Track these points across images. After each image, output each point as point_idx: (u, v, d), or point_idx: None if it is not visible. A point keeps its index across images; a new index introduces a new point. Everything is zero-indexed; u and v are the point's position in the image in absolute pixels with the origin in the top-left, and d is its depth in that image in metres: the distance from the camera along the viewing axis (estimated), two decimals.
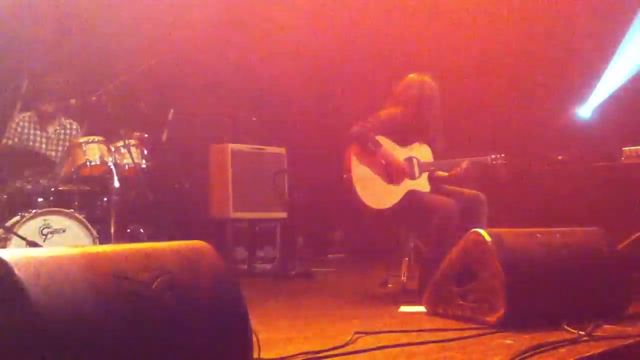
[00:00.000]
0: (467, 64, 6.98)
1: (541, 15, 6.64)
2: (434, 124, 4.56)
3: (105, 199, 4.83)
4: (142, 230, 5.12)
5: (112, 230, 4.60)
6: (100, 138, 4.92)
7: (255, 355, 2.03)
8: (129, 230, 5.09)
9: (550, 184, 5.59)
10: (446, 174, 4.51)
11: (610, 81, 6.39)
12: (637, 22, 6.16)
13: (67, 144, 5.19)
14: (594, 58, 6.39)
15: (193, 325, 1.90)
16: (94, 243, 4.40)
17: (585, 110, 6.55)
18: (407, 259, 4.65)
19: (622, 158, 5.20)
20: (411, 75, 4.57)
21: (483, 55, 6.94)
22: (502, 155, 4.46)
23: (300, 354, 2.36)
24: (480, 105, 6.89)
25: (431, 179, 4.48)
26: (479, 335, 2.73)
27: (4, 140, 5.08)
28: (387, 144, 4.37)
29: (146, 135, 5.32)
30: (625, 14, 6.20)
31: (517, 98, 6.66)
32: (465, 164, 4.42)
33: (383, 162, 4.32)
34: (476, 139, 6.19)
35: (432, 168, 4.46)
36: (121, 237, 4.86)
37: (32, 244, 4.10)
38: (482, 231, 3.11)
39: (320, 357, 2.35)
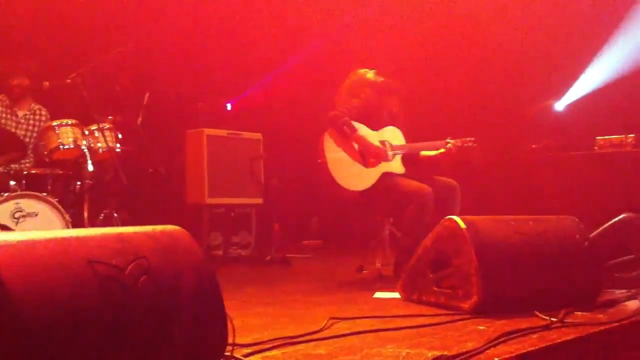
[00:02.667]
0: (446, 52, 7.01)
1: (525, 8, 6.68)
2: (395, 111, 4.69)
3: (78, 183, 4.78)
4: (116, 215, 5.08)
5: (86, 215, 4.56)
6: (74, 121, 4.86)
7: (230, 341, 2.02)
8: (102, 215, 5.04)
9: (524, 173, 5.65)
10: (431, 153, 4.55)
11: (589, 81, 6.46)
12: (622, 29, 6.22)
13: (36, 129, 5.11)
14: (574, 56, 6.44)
15: (168, 310, 1.89)
16: (67, 227, 4.35)
17: (561, 104, 6.62)
18: (382, 245, 4.68)
19: (595, 147, 5.26)
20: (368, 69, 4.71)
21: (462, 44, 6.97)
22: (473, 138, 4.53)
23: (276, 339, 2.36)
24: (456, 93, 6.93)
25: (410, 161, 4.53)
26: (453, 321, 2.76)
27: None
28: (360, 128, 4.42)
29: (120, 119, 5.26)
30: (611, 18, 6.26)
31: (493, 87, 6.70)
32: (450, 144, 4.47)
33: (358, 145, 4.36)
34: (451, 126, 6.22)
35: (406, 150, 4.53)
36: (95, 222, 4.82)
37: (4, 228, 4.05)
38: (456, 218, 3.13)
39: (295, 342, 2.35)
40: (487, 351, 2.19)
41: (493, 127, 6.44)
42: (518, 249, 3.09)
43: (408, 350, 2.22)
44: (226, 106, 7.41)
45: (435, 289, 3.19)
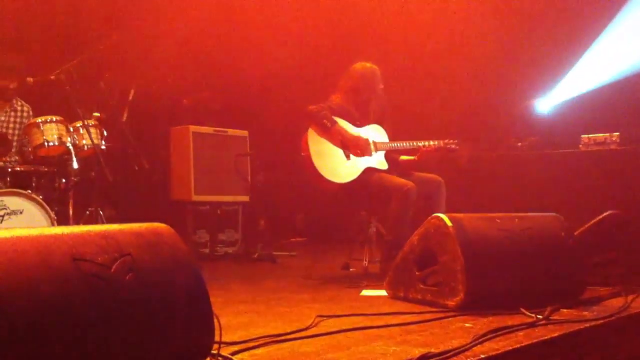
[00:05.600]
0: (432, 50, 7.02)
1: (511, 6, 6.70)
2: (380, 109, 4.71)
3: (63, 180, 4.73)
4: (101, 212, 5.04)
5: (71, 212, 4.52)
6: (59, 118, 4.81)
7: (217, 339, 2.01)
8: (88, 212, 5.00)
9: (510, 170, 5.67)
10: (411, 157, 4.59)
11: (574, 83, 6.50)
12: (610, 27, 6.25)
13: (18, 125, 5.06)
14: (561, 54, 6.47)
15: (154, 308, 1.88)
16: (52, 225, 4.31)
17: (545, 105, 6.66)
18: (368, 242, 4.69)
19: (580, 145, 5.29)
20: (356, 65, 4.72)
21: (447, 42, 6.99)
22: (455, 140, 4.56)
23: (262, 337, 2.36)
24: (441, 91, 6.95)
25: (392, 161, 4.56)
26: (439, 318, 2.77)
27: None
28: (342, 124, 4.44)
29: (104, 116, 5.21)
30: (599, 16, 6.29)
31: (479, 84, 6.72)
32: (427, 146, 4.50)
33: (339, 138, 4.38)
34: (437, 124, 6.25)
35: (388, 148, 4.55)
36: (80, 219, 4.78)
37: None
38: (443, 216, 3.14)
39: (283, 340, 2.35)
40: (474, 348, 2.20)
41: (478, 125, 6.47)
42: (504, 246, 3.10)
43: (395, 348, 2.23)
44: (213, 102, 7.38)
45: (422, 286, 3.20)
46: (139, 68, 6.47)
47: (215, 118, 6.77)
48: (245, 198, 6.48)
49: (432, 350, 2.13)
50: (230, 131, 6.52)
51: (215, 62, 7.17)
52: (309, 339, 2.38)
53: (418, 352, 2.11)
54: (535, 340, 2.35)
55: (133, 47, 6.34)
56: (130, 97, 6.00)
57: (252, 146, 6.59)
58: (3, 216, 4.23)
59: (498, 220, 3.23)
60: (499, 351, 2.18)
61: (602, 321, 2.72)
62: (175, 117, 6.73)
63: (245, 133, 6.61)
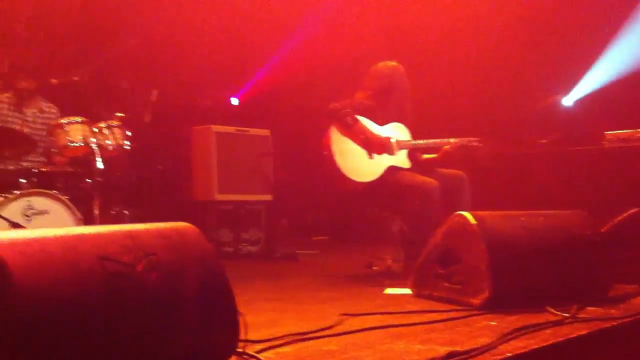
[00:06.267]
0: (454, 47, 6.98)
1: (538, 2, 6.64)
2: (403, 108, 4.67)
3: (88, 180, 4.77)
4: (126, 212, 5.09)
5: (96, 212, 4.56)
6: (83, 119, 4.86)
7: (242, 337, 2.02)
8: (113, 212, 5.05)
9: (533, 168, 5.63)
10: (432, 156, 4.57)
11: (596, 77, 6.43)
12: (631, 23, 6.17)
13: (45, 126, 5.11)
14: (583, 50, 6.41)
15: (178, 307, 1.89)
16: (78, 224, 4.35)
17: (568, 100, 6.59)
18: (391, 241, 4.67)
19: (604, 142, 5.23)
20: (379, 64, 4.69)
21: (469, 39, 6.95)
22: (477, 138, 4.52)
23: (286, 335, 2.36)
24: (464, 89, 6.91)
25: (414, 160, 4.53)
26: (464, 317, 2.75)
27: None
28: (365, 122, 4.44)
29: (128, 117, 5.26)
30: (620, 12, 6.22)
31: (502, 81, 6.67)
32: (450, 145, 4.47)
33: (361, 136, 4.36)
34: (459, 122, 6.21)
35: (410, 146, 4.53)
36: (105, 219, 4.83)
37: (16, 226, 4.06)
38: (466, 213, 3.12)
39: (307, 338, 2.35)
40: (500, 346, 2.18)
41: (501, 122, 6.42)
42: (529, 244, 3.07)
43: (419, 346, 2.22)
44: (231, 101, 7.41)
45: (446, 284, 3.18)
46: (161, 69, 6.52)
47: (236, 117, 6.80)
48: (268, 197, 6.49)
49: (457, 348, 2.12)
50: (252, 130, 6.54)
51: (236, 62, 7.19)
52: (334, 337, 2.37)
53: (443, 350, 2.10)
54: (561, 339, 2.32)
55: (155, 48, 6.39)
56: (153, 98, 6.05)
57: (274, 145, 6.61)
58: (30, 216, 4.28)
59: (522, 218, 3.20)
60: (525, 349, 2.16)
61: (629, 319, 2.68)
62: (197, 117, 6.77)
63: (267, 132, 6.62)
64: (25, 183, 4.52)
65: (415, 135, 4.65)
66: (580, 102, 6.49)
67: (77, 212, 4.46)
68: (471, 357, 2.06)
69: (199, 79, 7.03)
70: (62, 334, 1.63)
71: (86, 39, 6.14)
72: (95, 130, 4.89)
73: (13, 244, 1.70)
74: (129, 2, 6.39)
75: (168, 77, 6.58)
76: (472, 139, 4.52)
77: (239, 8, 7.09)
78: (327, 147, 4.32)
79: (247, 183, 6.35)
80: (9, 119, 5.08)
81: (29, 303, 1.60)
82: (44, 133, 5.08)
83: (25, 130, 5.02)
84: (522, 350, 2.15)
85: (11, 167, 4.74)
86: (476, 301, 2.95)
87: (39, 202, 4.35)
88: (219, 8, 6.96)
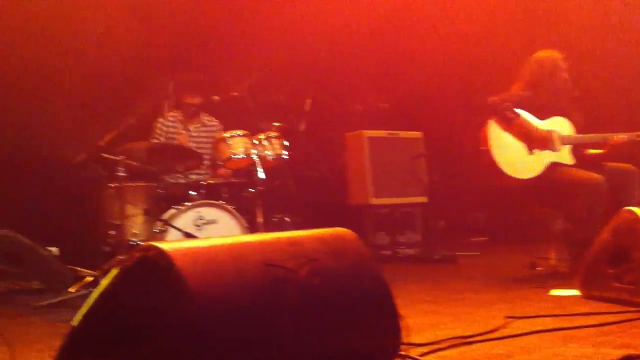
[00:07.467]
0: (619, 36, 6.55)
1: None
2: (564, 99, 4.44)
3: (251, 190, 5.00)
4: (287, 219, 5.27)
5: (260, 220, 4.77)
6: (244, 132, 5.10)
7: (404, 340, 2.03)
8: (275, 219, 5.26)
9: None
10: (599, 151, 4.32)
11: None
12: None
13: (207, 140, 5.42)
14: None
15: (341, 310, 1.94)
16: (244, 233, 4.58)
17: None
18: (554, 240, 4.47)
19: None
20: (538, 54, 4.49)
21: (629, 34, 6.49)
22: None
23: (450, 338, 2.34)
24: (631, 80, 6.47)
25: (578, 156, 4.31)
26: (639, 318, 2.58)
27: (153, 139, 5.39)
28: (524, 116, 4.27)
29: (284, 127, 5.45)
30: None
31: None
32: (618, 137, 4.20)
33: (522, 130, 4.20)
34: (626, 116, 5.81)
35: (575, 141, 4.30)
36: (268, 226, 5.03)
37: (188, 235, 4.36)
38: (635, 209, 2.93)
39: (471, 342, 2.31)
40: None
41: None
42: None
43: (591, 350, 2.11)
44: (384, 106, 7.45)
45: (617, 284, 3.00)
46: (313, 78, 6.70)
47: (388, 120, 6.84)
48: (423, 199, 6.47)
49: (633, 352, 1.99)
50: (403, 133, 6.56)
51: (384, 65, 7.23)
52: (499, 341, 2.32)
53: (618, 354, 1.99)
54: None
55: (306, 59, 6.58)
56: (307, 107, 6.23)
57: (426, 146, 6.57)
58: (200, 226, 4.57)
59: None
60: None
61: None
62: (349, 122, 6.88)
63: (418, 134, 6.61)
64: (195, 195, 4.82)
65: (579, 130, 4.40)
66: None
67: (243, 221, 4.69)
68: None
69: (349, 85, 7.14)
70: (232, 337, 1.72)
71: (241, 56, 6.44)
72: (256, 142, 5.11)
73: (187, 253, 1.83)
74: (281, 19, 6.63)
75: (320, 86, 6.74)
76: (636, 133, 4.23)
77: (383, 11, 7.11)
78: (485, 143, 4.22)
79: (401, 186, 6.37)
80: (177, 135, 5.45)
81: (202, 308, 1.71)
82: (208, 146, 5.39)
83: (191, 145, 5.36)
84: None
85: (182, 181, 5.08)
86: None
87: (208, 212, 4.62)
88: (366, 15, 7.02)
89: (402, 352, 2.03)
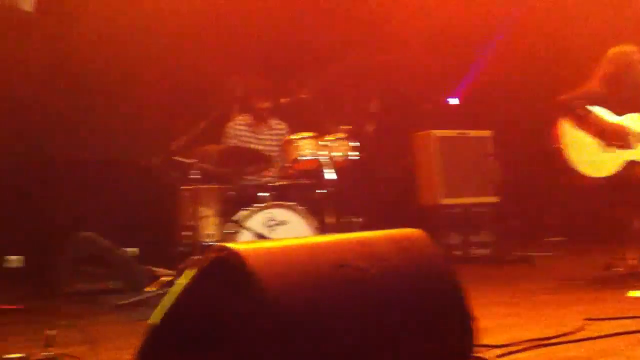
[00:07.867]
0: None
1: None
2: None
3: (320, 191, 5.03)
4: (356, 219, 5.28)
5: (330, 220, 4.79)
6: (312, 134, 5.13)
7: (478, 342, 2.00)
8: (344, 220, 5.27)
9: None
10: None
11: None
12: None
13: (276, 142, 5.48)
14: None
15: (413, 311, 1.93)
16: (315, 233, 4.61)
17: None
18: (632, 240, 4.32)
19: None
20: (613, 50, 4.36)
21: None
22: None
23: (527, 340, 2.29)
24: None
25: None
26: None
27: (225, 142, 5.49)
28: (599, 112, 4.16)
29: (352, 128, 5.45)
30: None
31: None
32: None
33: (596, 127, 4.08)
34: None
35: None
36: (338, 227, 5.04)
37: (260, 236, 4.42)
38: None
39: (548, 344, 2.26)
40: None
41: None
42: None
43: None
44: (450, 101, 7.35)
45: None
46: (380, 78, 6.68)
47: (457, 118, 6.76)
48: (495, 199, 6.36)
49: None
50: (473, 132, 6.47)
51: (451, 62, 7.14)
52: (578, 343, 2.26)
53: None
54: None
55: (372, 60, 6.57)
56: (374, 108, 6.21)
57: (496, 144, 6.46)
58: (272, 227, 4.63)
59: None
60: None
61: None
62: (417, 121, 6.83)
63: (487, 133, 6.51)
64: (266, 196, 4.88)
65: None
66: None
67: (313, 222, 4.72)
68: None
69: (416, 84, 7.08)
70: (304, 335, 1.74)
71: (308, 59, 6.49)
72: (323, 143, 5.14)
73: (260, 254, 1.86)
74: (348, 21, 6.65)
75: (386, 86, 6.71)
76: None
77: (448, 10, 7.02)
78: (557, 141, 4.12)
79: (472, 185, 6.29)
80: (245, 138, 5.54)
81: (276, 310, 1.74)
82: (276, 149, 5.45)
83: (260, 147, 5.44)
84: None
85: (252, 182, 5.16)
86: None
87: (279, 213, 4.68)
88: (426, 13, 6.95)
89: (476, 354, 2.00)
